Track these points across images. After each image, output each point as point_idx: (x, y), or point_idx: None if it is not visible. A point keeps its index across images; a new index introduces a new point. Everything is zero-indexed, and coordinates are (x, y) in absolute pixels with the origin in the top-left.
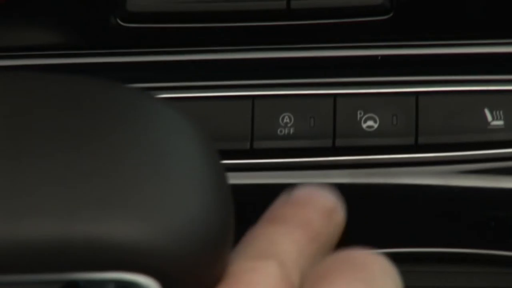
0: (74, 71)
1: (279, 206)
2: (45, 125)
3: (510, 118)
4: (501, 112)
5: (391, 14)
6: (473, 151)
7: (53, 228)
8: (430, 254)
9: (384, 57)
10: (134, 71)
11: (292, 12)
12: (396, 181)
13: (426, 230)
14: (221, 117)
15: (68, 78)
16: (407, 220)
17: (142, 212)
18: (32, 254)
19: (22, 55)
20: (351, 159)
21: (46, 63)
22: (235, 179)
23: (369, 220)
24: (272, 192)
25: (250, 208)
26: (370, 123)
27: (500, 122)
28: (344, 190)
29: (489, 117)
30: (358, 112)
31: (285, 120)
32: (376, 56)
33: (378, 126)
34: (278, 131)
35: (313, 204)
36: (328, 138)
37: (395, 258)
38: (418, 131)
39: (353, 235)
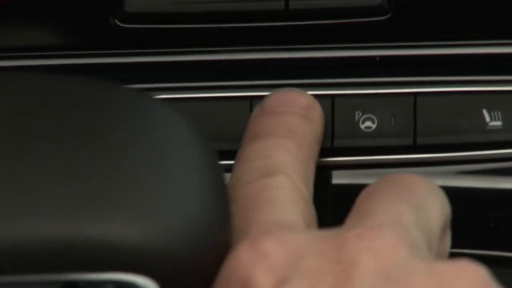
0: (72, 72)
1: (257, 119)
2: (45, 125)
3: (508, 119)
4: (499, 113)
5: (389, 15)
6: (472, 151)
7: (53, 228)
8: None
9: (382, 57)
10: (132, 71)
11: (290, 13)
12: None
13: None
14: (220, 117)
15: (68, 79)
16: None
17: (142, 212)
18: (32, 255)
19: (21, 56)
20: (350, 160)
21: (45, 63)
22: None
23: None
24: None
25: None
26: (368, 123)
27: (498, 123)
28: (342, 191)
29: (487, 118)
30: (356, 113)
31: None
32: (374, 57)
33: (377, 127)
34: None
35: (289, 109)
36: (326, 138)
37: None
38: (416, 131)
39: None
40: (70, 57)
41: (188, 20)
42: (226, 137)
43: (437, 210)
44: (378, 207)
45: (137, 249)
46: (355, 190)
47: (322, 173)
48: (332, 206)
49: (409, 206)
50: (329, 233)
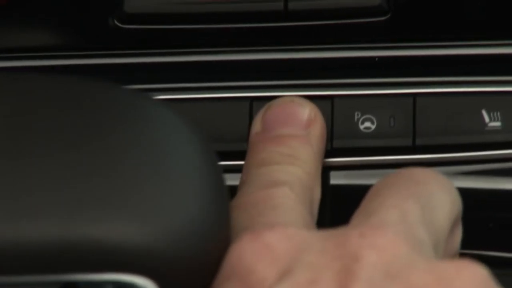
0: (72, 72)
1: (260, 144)
2: (45, 125)
3: (507, 120)
4: (498, 114)
5: (388, 15)
6: (471, 152)
7: (52, 229)
8: None
9: (382, 58)
10: (132, 72)
11: (289, 14)
12: None
13: None
14: (219, 118)
15: (68, 79)
16: None
17: (141, 213)
18: (31, 255)
19: (21, 56)
20: (349, 161)
21: (45, 64)
22: (232, 180)
23: None
24: None
25: None
26: (367, 124)
27: (497, 124)
28: (342, 191)
29: (487, 119)
30: (356, 114)
31: None
32: (373, 57)
33: (376, 128)
34: None
35: (291, 131)
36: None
37: None
38: (415, 132)
39: None
40: (70, 58)
41: (187, 20)
42: (225, 138)
43: (446, 206)
44: (384, 203)
45: (136, 250)
46: (354, 191)
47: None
48: (330, 207)
49: (416, 202)
50: (333, 232)
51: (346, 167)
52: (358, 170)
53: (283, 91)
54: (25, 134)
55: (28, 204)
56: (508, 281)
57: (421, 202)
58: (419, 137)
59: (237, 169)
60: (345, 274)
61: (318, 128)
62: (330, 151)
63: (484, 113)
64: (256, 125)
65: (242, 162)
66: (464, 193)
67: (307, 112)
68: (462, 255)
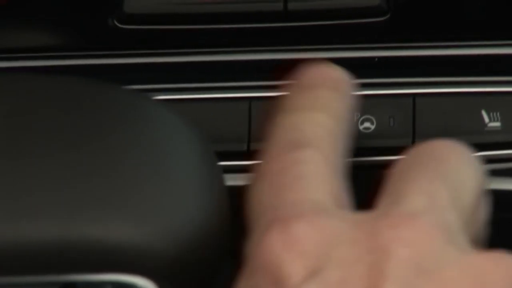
0: (72, 73)
1: (290, 94)
2: (45, 125)
3: (507, 120)
4: (498, 114)
5: (388, 16)
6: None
7: (52, 229)
8: None
9: (381, 58)
10: (131, 72)
11: (289, 14)
12: None
13: None
14: (218, 118)
15: (68, 80)
16: None
17: (141, 213)
18: (30, 255)
19: (20, 57)
20: (348, 161)
21: (45, 64)
22: (232, 180)
23: None
24: None
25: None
26: (367, 124)
27: (497, 124)
28: None
29: (486, 119)
30: (355, 114)
31: None
32: (373, 58)
33: (375, 128)
34: None
35: (323, 83)
36: None
37: None
38: (415, 132)
39: None
40: (69, 58)
41: (187, 21)
42: (224, 138)
43: (472, 181)
44: (412, 187)
45: (136, 250)
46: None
47: None
48: None
49: (443, 183)
50: (363, 218)
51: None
52: (358, 171)
53: (283, 91)
54: (25, 134)
55: (28, 204)
56: None
57: (448, 182)
58: (418, 137)
59: (236, 170)
60: (376, 272)
61: (347, 85)
62: None
63: (483, 113)
64: (287, 86)
65: (241, 163)
66: None
67: (336, 71)
68: None
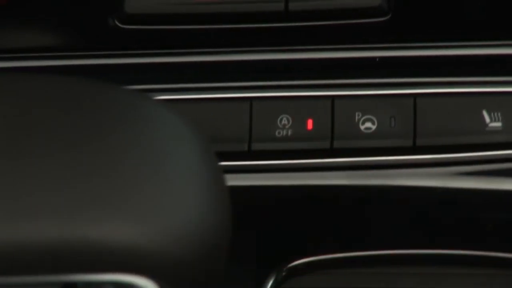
0: (72, 73)
1: None
2: (45, 125)
3: (508, 120)
4: (499, 114)
5: (389, 16)
6: (471, 152)
7: (52, 229)
8: (427, 256)
9: (382, 58)
10: (132, 72)
11: (290, 14)
12: (394, 183)
13: (424, 232)
14: (219, 118)
15: (68, 80)
16: (404, 222)
17: (141, 213)
18: (31, 256)
19: (21, 57)
20: (349, 161)
21: (45, 64)
22: (233, 180)
23: (367, 222)
24: (270, 194)
25: (247, 210)
26: (368, 124)
27: (498, 124)
28: (341, 191)
29: (487, 119)
30: (356, 114)
31: (283, 122)
32: (374, 58)
33: (376, 128)
34: (276, 132)
35: None
36: (326, 139)
37: (391, 260)
38: (416, 132)
39: (350, 237)
40: (70, 58)
41: (188, 21)
42: (225, 138)
43: None
44: None
45: (136, 250)
46: (353, 192)
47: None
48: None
49: None
50: None
51: (347, 168)
52: (359, 171)
53: (284, 92)
54: (25, 134)
55: (28, 204)
56: (508, 281)
57: None
58: (419, 137)
59: (237, 170)
60: None
61: None
62: (330, 152)
63: (484, 113)
64: None
65: (242, 163)
66: (465, 193)
67: None
68: (461, 256)
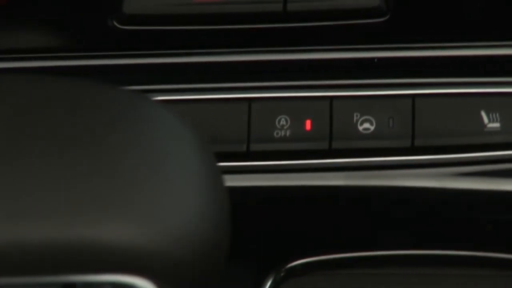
0: (71, 73)
1: None
2: (45, 126)
3: (506, 121)
4: (497, 115)
5: (387, 17)
6: (469, 153)
7: (51, 230)
8: (426, 256)
9: (381, 59)
10: (131, 73)
11: (288, 15)
12: (392, 184)
13: (422, 233)
14: (218, 119)
15: (68, 80)
16: (402, 223)
17: (141, 214)
18: (30, 256)
19: (20, 58)
20: (348, 162)
21: (45, 65)
22: (231, 181)
23: (365, 222)
24: (268, 195)
25: (246, 210)
26: (366, 125)
27: (496, 125)
28: (340, 192)
29: (486, 120)
30: (355, 115)
31: (281, 123)
32: (372, 58)
33: (375, 129)
34: (275, 133)
35: None
36: (324, 140)
37: (390, 260)
38: (414, 133)
39: (350, 237)
40: (69, 59)
41: (186, 22)
42: (224, 139)
43: None
44: None
45: (136, 250)
46: (351, 192)
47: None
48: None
49: None
50: None
51: (346, 168)
52: (357, 171)
53: (282, 92)
54: (25, 135)
55: (27, 205)
56: (508, 282)
57: None
58: (418, 138)
59: (236, 171)
60: None
61: None
62: (329, 152)
63: (483, 114)
64: None
65: (241, 163)
66: (463, 194)
67: None
68: (461, 256)
